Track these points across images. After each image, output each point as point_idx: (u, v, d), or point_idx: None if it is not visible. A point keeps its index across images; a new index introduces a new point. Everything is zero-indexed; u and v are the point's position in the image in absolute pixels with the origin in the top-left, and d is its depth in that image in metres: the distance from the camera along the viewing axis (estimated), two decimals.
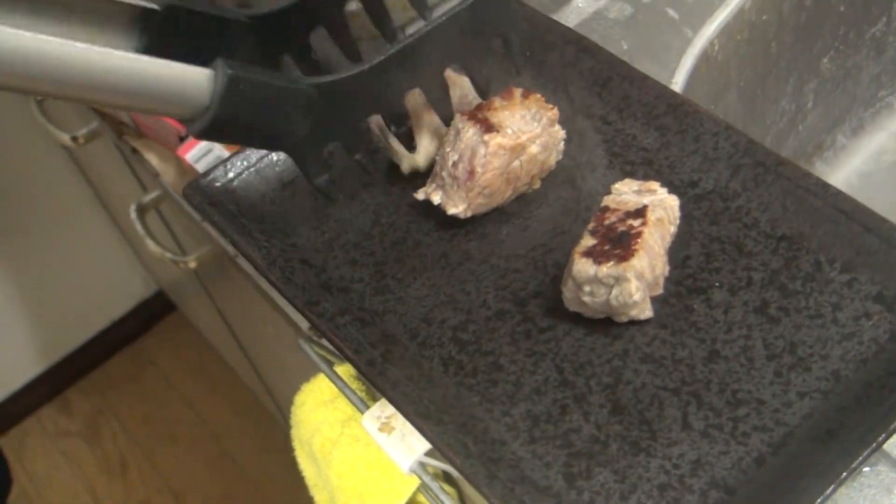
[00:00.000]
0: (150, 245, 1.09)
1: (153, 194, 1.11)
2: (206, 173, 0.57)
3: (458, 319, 0.51)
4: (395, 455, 0.69)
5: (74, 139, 1.21)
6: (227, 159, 0.58)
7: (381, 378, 0.48)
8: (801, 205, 0.51)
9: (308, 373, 0.85)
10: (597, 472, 0.45)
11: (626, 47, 0.64)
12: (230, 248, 0.66)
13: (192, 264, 1.11)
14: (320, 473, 0.85)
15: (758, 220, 0.52)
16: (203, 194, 0.56)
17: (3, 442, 1.97)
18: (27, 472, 1.95)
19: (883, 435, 0.42)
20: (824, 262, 0.50)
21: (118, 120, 1.09)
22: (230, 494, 1.86)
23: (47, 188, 1.73)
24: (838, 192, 0.51)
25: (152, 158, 1.04)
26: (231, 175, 0.58)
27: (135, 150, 1.07)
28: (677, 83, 0.61)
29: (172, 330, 2.06)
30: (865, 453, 0.42)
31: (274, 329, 1.17)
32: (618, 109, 0.57)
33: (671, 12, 0.65)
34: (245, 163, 0.58)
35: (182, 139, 0.98)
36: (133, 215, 1.11)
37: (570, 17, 0.66)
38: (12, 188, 1.69)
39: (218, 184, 0.57)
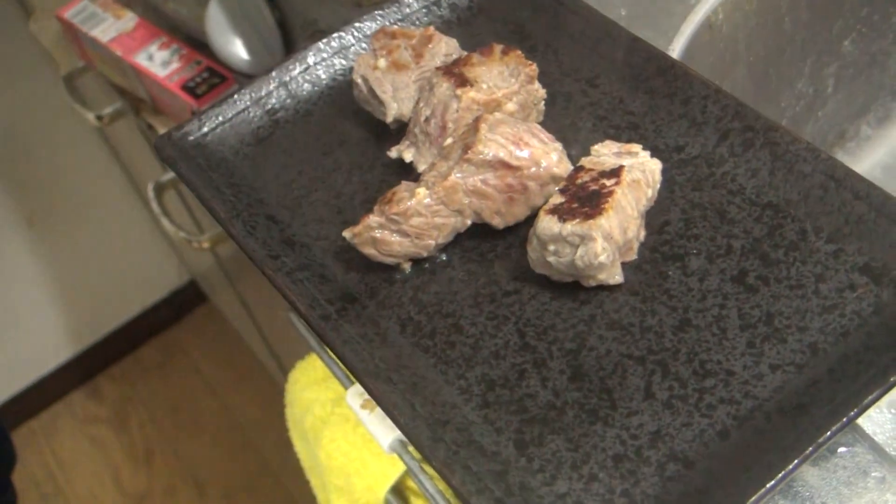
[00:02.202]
0: (165, 223, 1.08)
1: (171, 174, 1.10)
2: (179, 126, 0.56)
3: (421, 280, 0.49)
4: (376, 432, 0.67)
5: (100, 118, 1.21)
6: (202, 112, 0.56)
7: (333, 333, 0.46)
8: (790, 171, 0.48)
9: (303, 350, 0.83)
10: (549, 439, 0.42)
11: (624, 13, 0.61)
12: None
13: (206, 244, 1.10)
14: (311, 453, 0.84)
15: (743, 186, 0.49)
16: (174, 147, 0.55)
17: (33, 424, 1.99)
18: (55, 457, 1.96)
19: (854, 410, 0.39)
20: (810, 230, 0.47)
21: (137, 97, 1.09)
22: (252, 486, 1.85)
23: (81, 173, 1.74)
24: (829, 158, 0.47)
25: None
26: (205, 129, 0.56)
27: (151, 126, 1.07)
28: (675, 50, 0.58)
29: (204, 320, 2.06)
30: (834, 428, 0.39)
31: (283, 313, 1.15)
32: (606, 72, 0.55)
33: None
34: (220, 117, 0.57)
35: (194, 114, 0.97)
36: (150, 194, 1.11)
37: None
38: (46, 173, 1.70)
39: (191, 137, 0.56)
